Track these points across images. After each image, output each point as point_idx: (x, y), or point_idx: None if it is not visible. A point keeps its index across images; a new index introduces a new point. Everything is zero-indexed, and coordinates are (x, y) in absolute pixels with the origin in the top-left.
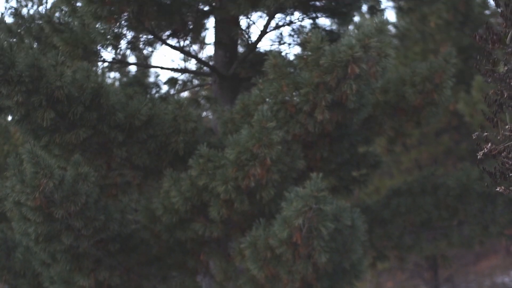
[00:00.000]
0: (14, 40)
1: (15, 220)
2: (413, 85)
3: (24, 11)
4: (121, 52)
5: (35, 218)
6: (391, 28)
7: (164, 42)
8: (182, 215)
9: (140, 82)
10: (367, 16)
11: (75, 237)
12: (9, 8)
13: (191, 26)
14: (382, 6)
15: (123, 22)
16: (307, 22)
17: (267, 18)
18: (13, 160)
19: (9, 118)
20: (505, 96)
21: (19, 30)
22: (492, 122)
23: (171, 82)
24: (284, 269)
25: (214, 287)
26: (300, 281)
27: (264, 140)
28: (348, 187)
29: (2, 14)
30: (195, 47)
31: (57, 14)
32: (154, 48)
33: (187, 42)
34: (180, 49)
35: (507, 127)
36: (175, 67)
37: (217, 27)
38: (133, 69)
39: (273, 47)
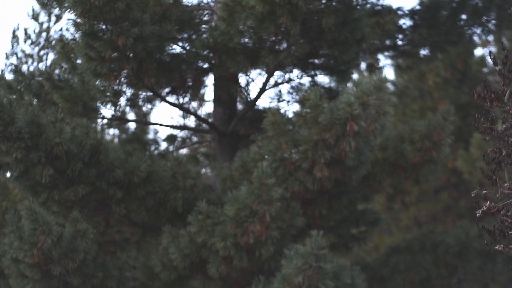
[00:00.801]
0: (14, 96)
1: (13, 277)
2: (411, 142)
3: (24, 68)
4: (120, 109)
5: (33, 275)
6: (389, 85)
7: (163, 99)
8: (180, 272)
9: (139, 139)
10: (365, 73)
11: None
12: (9, 65)
13: (190, 83)
14: (381, 64)
15: (122, 79)
16: (306, 80)
17: (266, 75)
18: (12, 216)
19: (8, 174)
20: (504, 154)
21: (19, 87)
22: (491, 180)
23: (170, 139)
24: None
25: None
26: None
27: (263, 196)
28: (347, 244)
29: (2, 70)
30: (194, 104)
31: (57, 71)
32: (154, 105)
33: (187, 99)
34: (180, 106)
35: (506, 185)
36: (174, 124)
37: (216, 84)
38: (132, 125)
39: (272, 104)
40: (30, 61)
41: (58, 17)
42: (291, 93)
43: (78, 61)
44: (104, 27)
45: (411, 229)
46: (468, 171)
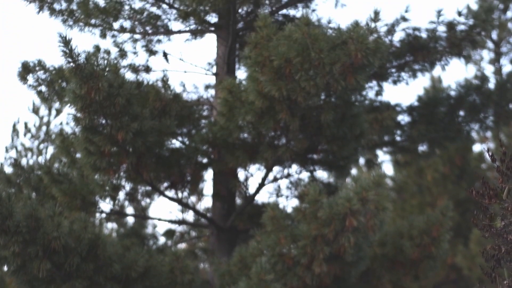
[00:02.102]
0: (13, 190)
1: None
2: (410, 238)
3: (24, 161)
4: (119, 203)
5: None
6: (388, 181)
7: (162, 193)
8: None
9: (137, 233)
10: (364, 169)
11: None
12: (9, 158)
13: (189, 178)
14: (379, 160)
15: (121, 173)
16: (305, 175)
17: (265, 170)
18: None
19: (5, 268)
20: (503, 251)
21: (18, 180)
22: (490, 277)
23: (169, 233)
24: None
25: None
26: None
27: None
28: None
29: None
30: (193, 199)
31: (56, 165)
32: (152, 199)
33: (185, 193)
34: (178, 201)
35: (505, 282)
36: (172, 219)
37: (215, 179)
38: (130, 220)
39: (271, 199)
40: (29, 154)
41: (58, 111)
42: (290, 188)
43: (78, 155)
44: (104, 121)
45: None
46: (468, 267)
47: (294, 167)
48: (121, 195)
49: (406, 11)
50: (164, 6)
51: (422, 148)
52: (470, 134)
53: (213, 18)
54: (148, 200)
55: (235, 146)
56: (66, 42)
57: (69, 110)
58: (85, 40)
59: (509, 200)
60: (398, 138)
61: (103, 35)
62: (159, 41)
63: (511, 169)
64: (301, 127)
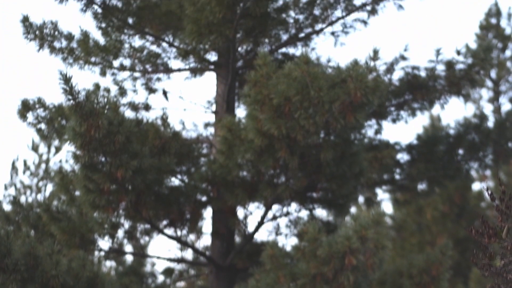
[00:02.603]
0: (12, 228)
1: None
2: (410, 277)
3: (23, 199)
4: (118, 241)
5: None
6: (387, 219)
7: (161, 231)
8: None
9: (136, 272)
10: (363, 207)
11: None
12: (8, 196)
13: (188, 216)
14: (379, 198)
15: (120, 211)
16: (304, 213)
17: (264, 208)
18: None
19: None
20: None
21: (17, 218)
22: None
23: (167, 272)
24: None
25: None
26: None
27: None
28: None
29: (0, 201)
30: (192, 237)
31: (55, 203)
32: (151, 237)
33: (184, 232)
34: (177, 239)
35: None
36: (171, 257)
37: (214, 217)
38: (129, 258)
39: (270, 238)
40: (28, 192)
41: (58, 149)
42: (289, 226)
43: (77, 193)
44: (103, 159)
45: None
46: None
47: (293, 205)
48: (120, 233)
49: (405, 50)
50: (164, 44)
51: (421, 186)
52: (470, 173)
53: (212, 57)
54: (147, 238)
55: (235, 184)
56: (66, 79)
57: (68, 148)
58: (85, 78)
59: (509, 239)
60: (397, 177)
61: (103, 73)
62: (158, 79)
63: (511, 208)
64: (300, 165)
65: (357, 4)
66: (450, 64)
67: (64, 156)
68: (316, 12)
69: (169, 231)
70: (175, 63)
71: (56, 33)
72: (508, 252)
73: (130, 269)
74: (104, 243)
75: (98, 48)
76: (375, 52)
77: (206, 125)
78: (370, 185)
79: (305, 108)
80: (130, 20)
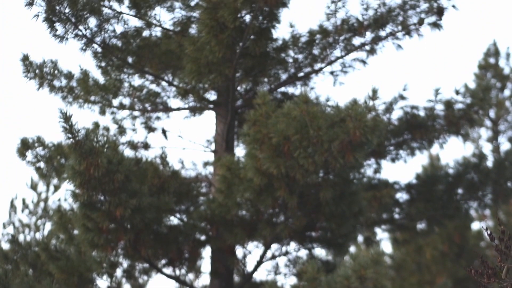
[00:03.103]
0: (10, 266)
1: None
2: None
3: (21, 237)
4: (116, 281)
5: None
6: (386, 259)
7: (160, 270)
8: None
9: None
10: (363, 247)
11: None
12: (6, 235)
13: (187, 255)
14: (378, 238)
15: (119, 250)
16: (303, 253)
17: (263, 248)
18: None
19: None
20: None
21: (15, 257)
22: None
23: None
24: None
25: None
26: None
27: None
28: None
29: None
30: (191, 276)
31: (53, 241)
32: (150, 277)
33: (183, 271)
34: (176, 278)
35: None
36: None
37: (213, 257)
38: None
39: (269, 277)
40: (27, 230)
41: (57, 188)
42: (289, 266)
43: (75, 231)
44: (102, 198)
45: None
46: None
47: (293, 245)
48: (119, 272)
49: (404, 90)
50: (164, 83)
51: (420, 225)
52: (469, 212)
53: (212, 96)
54: (145, 277)
55: (233, 223)
56: (66, 118)
57: (67, 186)
58: (84, 116)
59: (508, 279)
60: (396, 216)
61: (102, 112)
62: (158, 118)
63: (510, 248)
64: (299, 204)
65: (356, 44)
66: (449, 104)
67: (63, 195)
68: (315, 51)
69: (168, 270)
70: (174, 102)
71: (56, 71)
72: None
73: None
74: (103, 282)
75: (97, 87)
76: (374, 91)
77: (205, 164)
78: (369, 224)
79: (304, 147)
80: (130, 59)
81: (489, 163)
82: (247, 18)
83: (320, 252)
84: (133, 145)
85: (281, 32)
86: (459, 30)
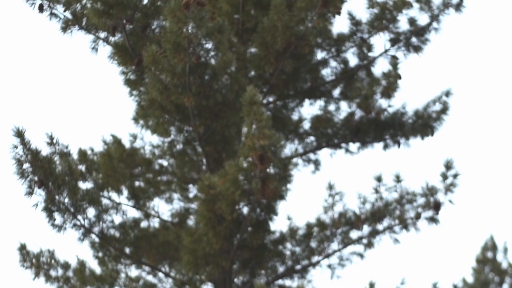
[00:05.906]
0: None
1: None
2: None
3: None
4: None
5: None
6: None
7: None
8: None
9: None
10: None
11: None
12: None
13: None
14: None
15: None
16: None
17: None
18: None
19: None
20: None
21: None
22: None
23: None
24: None
25: None
26: None
27: None
28: None
29: None
30: None
31: None
32: None
33: None
34: None
35: None
36: None
37: None
38: None
39: None
40: None
41: None
42: None
43: None
44: None
45: None
46: None
47: None
48: None
49: (402, 283)
50: (160, 274)
51: None
52: None
53: (208, 287)
54: None
55: None
56: None
57: None
58: None
59: None
60: None
61: None
62: None
63: None
64: None
65: (354, 238)
66: None
67: None
68: (313, 244)
69: None
70: None
71: (53, 261)
72: None
73: None
74: None
75: (94, 277)
76: (371, 285)
77: None
78: None
79: None
80: (127, 250)
81: None
82: (245, 210)
83: None
84: None
85: (278, 224)
86: (456, 224)
